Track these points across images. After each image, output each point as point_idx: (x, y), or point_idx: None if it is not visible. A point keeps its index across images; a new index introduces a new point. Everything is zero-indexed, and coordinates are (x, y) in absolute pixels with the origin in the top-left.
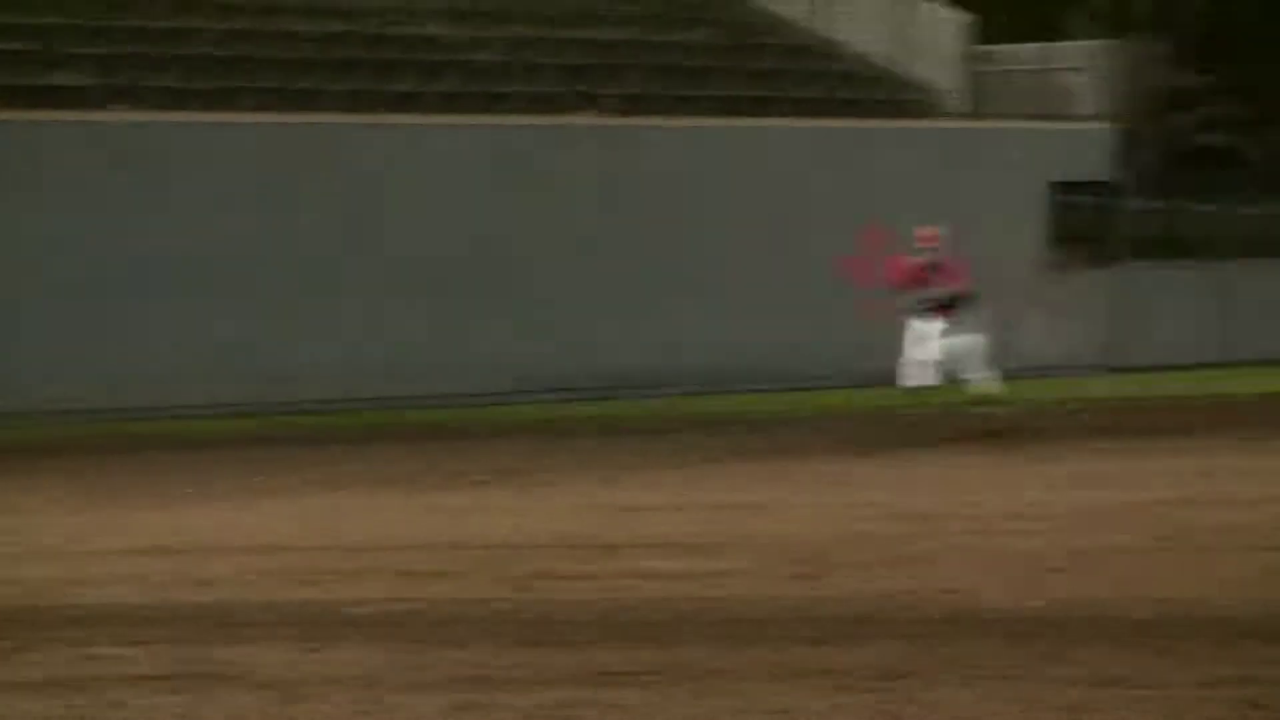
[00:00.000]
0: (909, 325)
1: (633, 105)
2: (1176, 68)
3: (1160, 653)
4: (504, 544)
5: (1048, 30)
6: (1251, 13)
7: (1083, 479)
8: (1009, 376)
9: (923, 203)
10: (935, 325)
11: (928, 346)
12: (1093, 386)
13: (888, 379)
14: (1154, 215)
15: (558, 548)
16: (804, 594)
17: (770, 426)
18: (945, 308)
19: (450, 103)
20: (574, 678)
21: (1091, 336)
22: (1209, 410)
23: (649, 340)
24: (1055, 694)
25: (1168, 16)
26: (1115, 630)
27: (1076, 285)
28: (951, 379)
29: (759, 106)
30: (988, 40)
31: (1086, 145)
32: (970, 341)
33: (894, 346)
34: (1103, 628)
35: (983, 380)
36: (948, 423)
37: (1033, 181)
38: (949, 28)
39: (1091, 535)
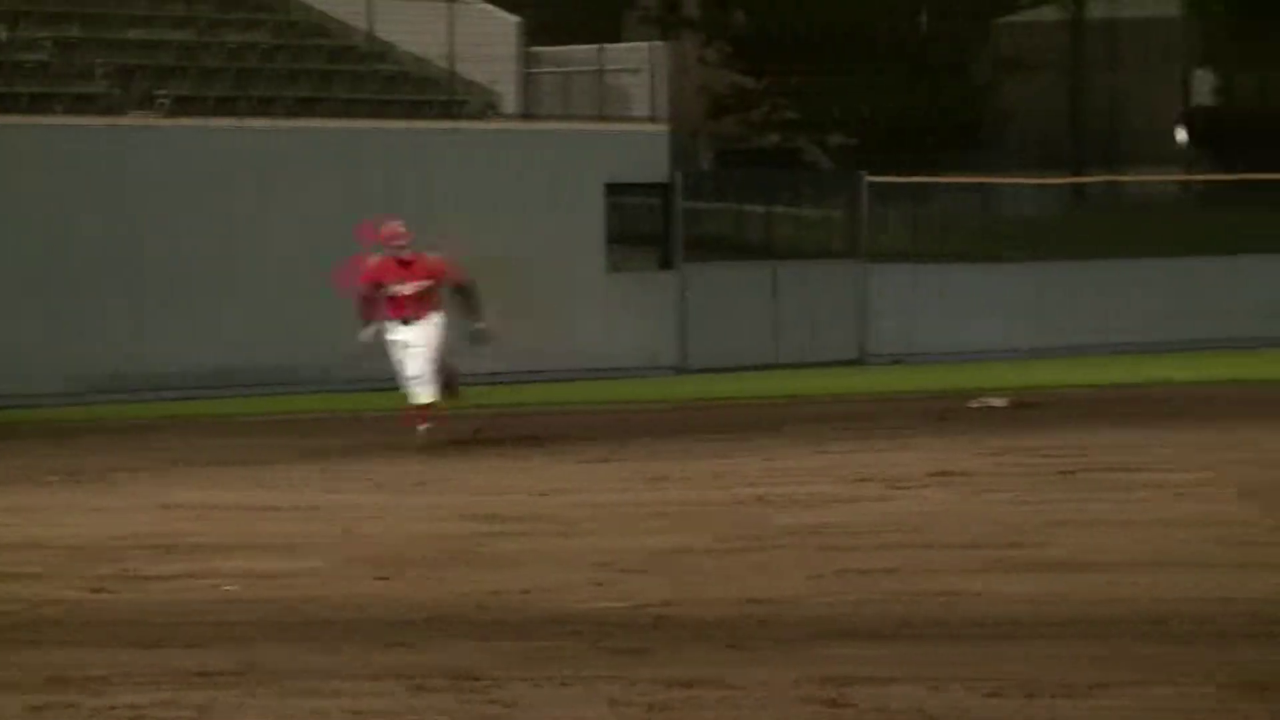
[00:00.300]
0: (390, 331)
1: (185, 106)
2: (730, 70)
3: (741, 652)
4: (81, 544)
5: (602, 31)
6: (799, 17)
7: (655, 479)
8: (574, 378)
9: (479, 205)
10: (410, 329)
11: (411, 352)
12: (656, 387)
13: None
14: (713, 216)
15: (134, 548)
16: (381, 594)
17: (331, 426)
18: (416, 307)
19: None
20: (155, 679)
21: (656, 337)
22: (773, 410)
23: (201, 342)
24: (637, 694)
25: (719, 19)
26: (696, 630)
27: (639, 287)
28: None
29: (310, 107)
30: (542, 42)
31: (643, 147)
32: (431, 335)
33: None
34: (683, 628)
35: (419, 388)
36: (498, 425)
37: (589, 183)
38: (502, 29)
39: (667, 535)
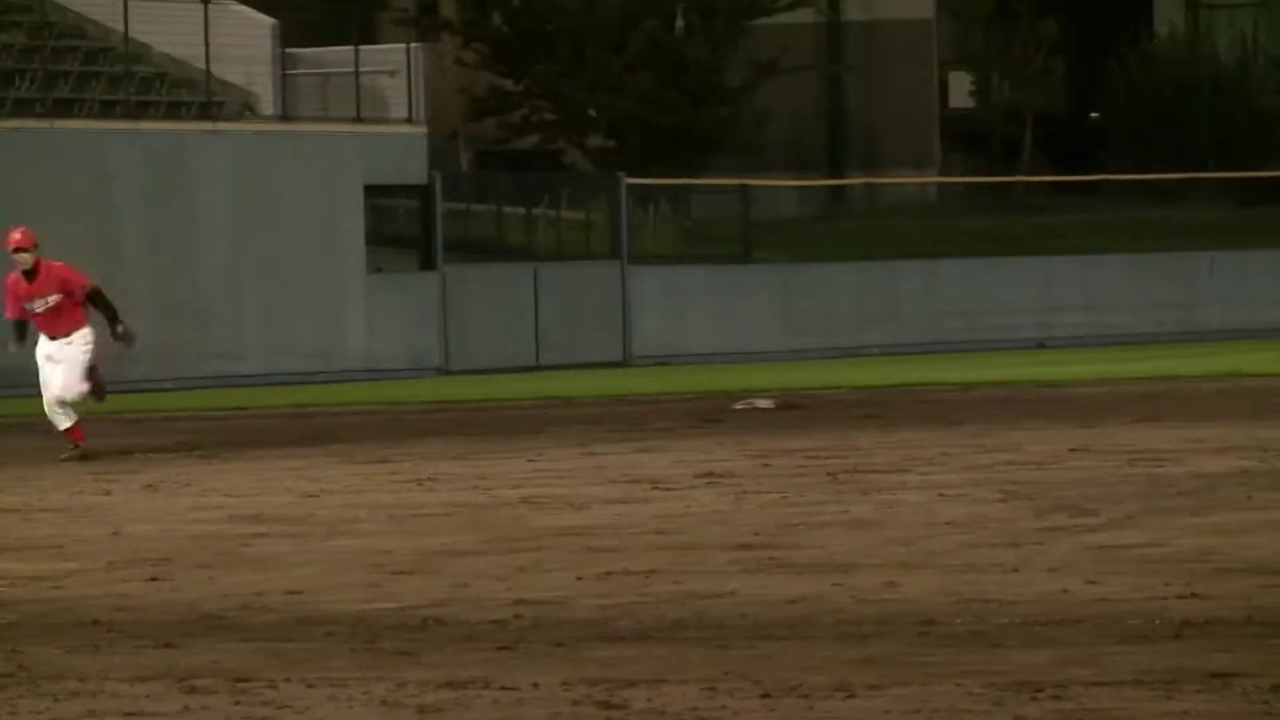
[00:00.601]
0: (39, 346)
1: None
2: (489, 72)
3: (512, 653)
4: None
5: (358, 33)
6: (556, 18)
7: (423, 480)
8: (337, 380)
9: (239, 207)
10: (54, 346)
11: (54, 373)
12: (420, 389)
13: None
14: (474, 218)
15: None
16: (151, 595)
17: (97, 428)
18: (54, 324)
19: None
20: None
21: (418, 339)
22: (538, 411)
23: None
24: (408, 695)
25: (477, 21)
26: (466, 631)
27: (400, 288)
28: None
29: (65, 108)
30: (299, 43)
31: (402, 148)
32: (75, 354)
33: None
34: (454, 629)
35: (76, 394)
36: (267, 427)
37: (348, 185)
38: (258, 30)
39: (435, 536)
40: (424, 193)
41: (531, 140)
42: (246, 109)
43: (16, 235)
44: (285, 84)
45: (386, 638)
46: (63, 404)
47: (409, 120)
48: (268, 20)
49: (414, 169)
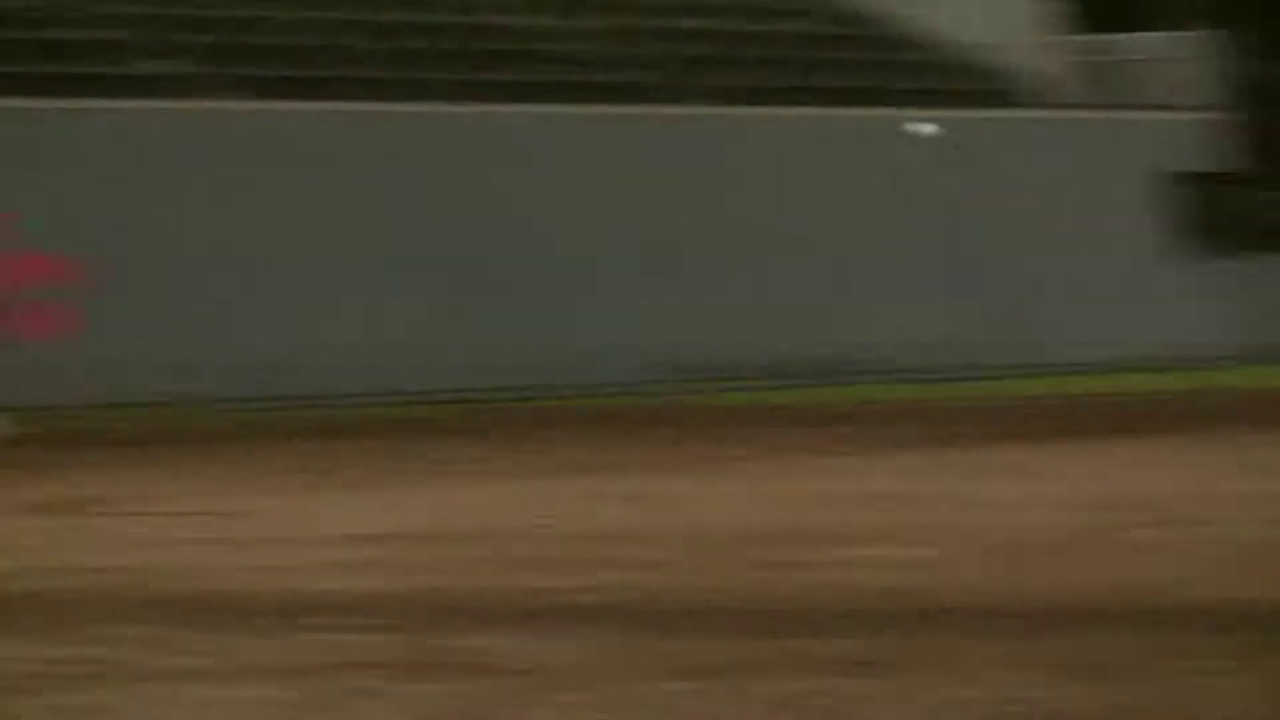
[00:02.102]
0: None
1: (735, 96)
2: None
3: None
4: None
5: (1129, 19)
6: None
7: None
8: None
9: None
10: None
11: None
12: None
13: None
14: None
15: (791, 539)
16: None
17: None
18: None
19: (548, 93)
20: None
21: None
22: None
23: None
24: None
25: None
26: None
27: (1202, 274)
28: None
29: (861, 97)
30: (1077, 30)
31: (1188, 135)
32: None
33: None
34: None
35: None
36: None
37: (1140, 171)
38: (1035, 16)
39: None
40: (1214, 180)
41: None
42: (1041, 95)
43: None
44: (1071, 70)
45: None
46: None
47: (1196, 107)
48: (1047, 6)
49: (1201, 156)
